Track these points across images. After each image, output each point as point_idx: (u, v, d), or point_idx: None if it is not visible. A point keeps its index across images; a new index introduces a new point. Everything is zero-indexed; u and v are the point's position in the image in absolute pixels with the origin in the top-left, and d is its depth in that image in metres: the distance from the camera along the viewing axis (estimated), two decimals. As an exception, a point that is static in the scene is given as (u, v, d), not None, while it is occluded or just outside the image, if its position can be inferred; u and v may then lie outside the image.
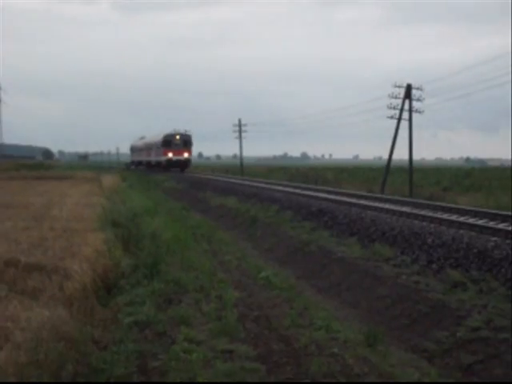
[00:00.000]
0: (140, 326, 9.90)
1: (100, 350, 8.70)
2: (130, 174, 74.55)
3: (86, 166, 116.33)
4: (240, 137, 79.61)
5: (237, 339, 9.49)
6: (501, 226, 18.66)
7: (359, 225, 20.65)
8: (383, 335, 10.80)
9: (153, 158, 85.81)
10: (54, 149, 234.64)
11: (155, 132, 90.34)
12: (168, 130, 79.07)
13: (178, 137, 76.94)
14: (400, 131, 41.65)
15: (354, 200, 28.94)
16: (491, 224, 19.14)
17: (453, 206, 25.71)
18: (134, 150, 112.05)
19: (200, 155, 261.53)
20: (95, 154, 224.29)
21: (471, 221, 19.94)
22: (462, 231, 17.80)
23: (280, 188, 39.95)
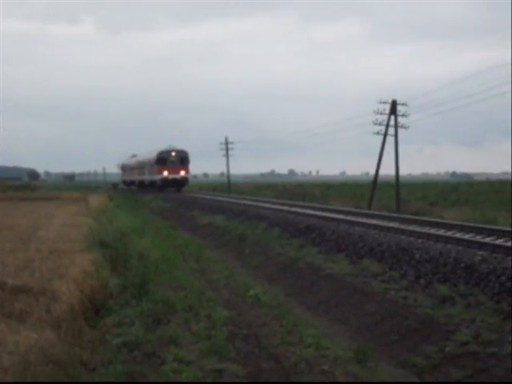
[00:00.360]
0: (129, 347, 9.86)
1: (89, 372, 8.66)
2: (117, 194, 74.32)
3: (72, 187, 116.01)
4: (227, 155, 79.39)
5: (226, 358, 9.46)
6: (487, 240, 18.73)
7: (347, 241, 20.66)
8: (372, 351, 10.80)
9: (146, 177, 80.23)
10: (40, 169, 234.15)
11: (148, 149, 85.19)
12: (159, 147, 74.66)
13: (173, 153, 71.82)
14: (386, 147, 41.84)
15: (341, 216, 28.97)
16: (478, 238, 19.20)
17: (440, 220, 25.79)
18: (125, 168, 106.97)
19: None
20: (81, 174, 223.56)
21: (458, 235, 20.00)
22: (449, 246, 17.84)
23: (267, 205, 39.96)
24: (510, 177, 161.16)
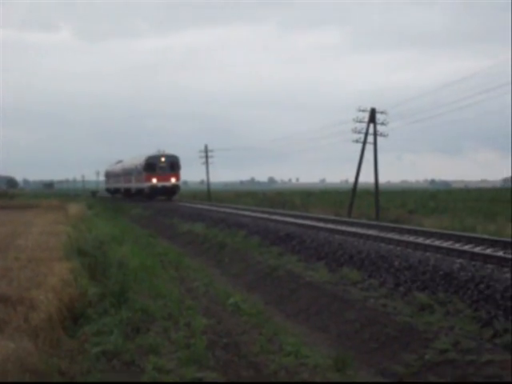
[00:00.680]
0: (108, 356, 9.81)
1: (67, 382, 8.60)
2: (96, 202, 73.84)
3: (51, 194, 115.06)
4: (207, 162, 79.08)
5: (206, 367, 9.44)
6: (466, 247, 18.85)
7: (327, 249, 20.70)
8: (352, 359, 10.81)
9: (133, 185, 73.99)
10: (19, 177, 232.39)
11: (131, 155, 79.90)
12: (147, 152, 69.06)
13: (163, 159, 65.71)
14: (365, 154, 42.07)
15: (321, 224, 29.03)
16: (456, 246, 19.32)
17: (419, 228, 25.91)
18: (109, 175, 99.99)
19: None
20: (60, 182, 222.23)
21: (437, 243, 20.10)
22: (428, 254, 17.92)
23: (247, 213, 39.95)
24: (487, 185, 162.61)
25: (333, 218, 34.57)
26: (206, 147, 79.31)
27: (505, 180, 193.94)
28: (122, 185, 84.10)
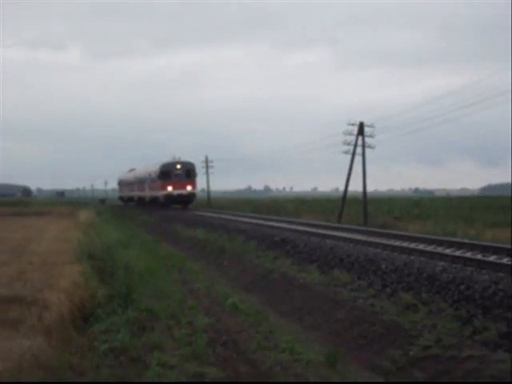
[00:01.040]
0: (115, 353, 9.80)
1: (78, 376, 8.59)
2: (104, 209, 73.64)
3: (63, 202, 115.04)
4: (207, 172, 79.04)
5: (207, 363, 9.44)
6: (447, 251, 18.89)
7: (319, 253, 20.70)
8: (343, 355, 10.82)
9: (147, 193, 67.67)
10: (33, 186, 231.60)
11: (145, 163, 73.15)
12: (161, 160, 62.56)
13: (178, 166, 59.32)
14: (354, 165, 42.05)
15: (313, 230, 29.04)
16: (439, 250, 19.36)
17: (404, 233, 25.94)
18: (122, 184, 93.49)
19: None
20: (71, 191, 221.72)
21: (421, 247, 20.14)
22: (412, 257, 17.94)
23: (245, 220, 39.95)
24: (467, 193, 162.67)
25: (324, 224, 34.58)
26: (206, 158, 79.23)
27: (482, 189, 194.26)
28: (135, 193, 78.62)
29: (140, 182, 72.80)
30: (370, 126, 42.39)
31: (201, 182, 79.75)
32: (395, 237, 24.42)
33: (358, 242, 22.86)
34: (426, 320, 11.78)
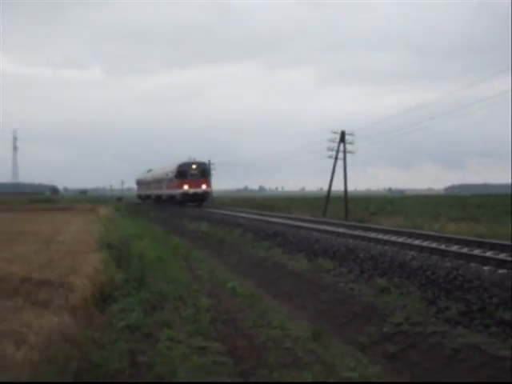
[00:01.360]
0: (130, 329, 9.83)
1: (98, 349, 8.62)
2: (121, 206, 73.47)
3: (85, 200, 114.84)
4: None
5: (209, 338, 9.47)
6: (416, 242, 18.98)
7: (306, 243, 20.74)
8: (326, 331, 10.85)
9: (164, 192, 64.17)
10: (60, 186, 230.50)
11: (167, 163, 67.76)
12: (177, 160, 59.02)
13: (194, 166, 56.29)
14: (337, 168, 42.17)
15: (301, 224, 29.10)
16: (409, 241, 19.45)
17: (379, 227, 26.03)
18: (140, 183, 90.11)
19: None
20: (93, 190, 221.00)
21: (393, 239, 20.21)
22: (386, 247, 18.02)
23: (242, 215, 39.97)
24: (433, 192, 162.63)
25: (311, 218, 34.64)
26: (209, 162, 78.95)
27: (446, 188, 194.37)
28: (152, 192, 74.69)
29: (157, 181, 69.50)
30: (350, 134, 42.52)
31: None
32: (371, 230, 24.51)
33: (339, 234, 22.94)
34: (397, 301, 11.82)
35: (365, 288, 13.44)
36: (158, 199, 69.48)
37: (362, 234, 22.50)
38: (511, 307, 10.05)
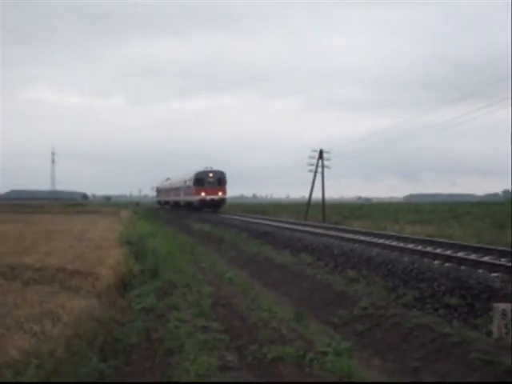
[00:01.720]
0: (146, 311, 9.82)
1: (120, 327, 8.62)
2: (139, 210, 73.09)
3: (110, 204, 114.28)
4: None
5: (210, 319, 9.45)
6: (380, 241, 19.03)
7: (290, 241, 20.78)
8: (306, 314, 10.86)
9: (182, 198, 58.66)
10: (89, 193, 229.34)
11: (184, 171, 61.27)
12: (195, 169, 53.40)
13: (211, 174, 50.56)
14: (316, 179, 42.35)
15: (286, 225, 29.13)
16: (374, 240, 19.49)
17: (350, 228, 26.08)
18: (159, 190, 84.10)
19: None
20: (116, 196, 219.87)
21: (362, 238, 20.25)
22: (356, 245, 18.07)
23: (238, 218, 39.95)
24: (394, 200, 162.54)
25: (294, 221, 34.67)
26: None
27: (406, 197, 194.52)
28: (171, 198, 68.63)
29: (175, 188, 64.00)
30: (327, 152, 42.77)
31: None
32: (344, 230, 24.55)
33: (318, 234, 22.98)
34: (364, 289, 11.87)
35: (338, 278, 13.48)
36: (176, 205, 64.57)
37: (337, 234, 22.56)
38: (455, 294, 10.13)
